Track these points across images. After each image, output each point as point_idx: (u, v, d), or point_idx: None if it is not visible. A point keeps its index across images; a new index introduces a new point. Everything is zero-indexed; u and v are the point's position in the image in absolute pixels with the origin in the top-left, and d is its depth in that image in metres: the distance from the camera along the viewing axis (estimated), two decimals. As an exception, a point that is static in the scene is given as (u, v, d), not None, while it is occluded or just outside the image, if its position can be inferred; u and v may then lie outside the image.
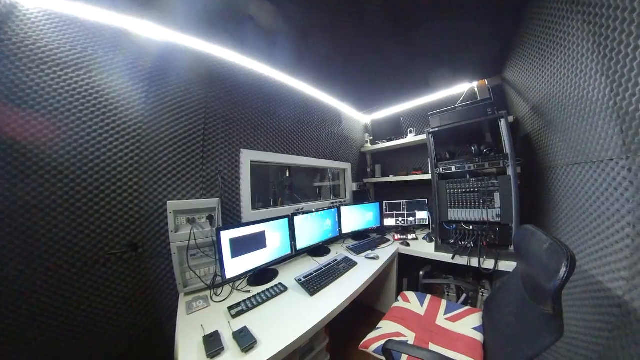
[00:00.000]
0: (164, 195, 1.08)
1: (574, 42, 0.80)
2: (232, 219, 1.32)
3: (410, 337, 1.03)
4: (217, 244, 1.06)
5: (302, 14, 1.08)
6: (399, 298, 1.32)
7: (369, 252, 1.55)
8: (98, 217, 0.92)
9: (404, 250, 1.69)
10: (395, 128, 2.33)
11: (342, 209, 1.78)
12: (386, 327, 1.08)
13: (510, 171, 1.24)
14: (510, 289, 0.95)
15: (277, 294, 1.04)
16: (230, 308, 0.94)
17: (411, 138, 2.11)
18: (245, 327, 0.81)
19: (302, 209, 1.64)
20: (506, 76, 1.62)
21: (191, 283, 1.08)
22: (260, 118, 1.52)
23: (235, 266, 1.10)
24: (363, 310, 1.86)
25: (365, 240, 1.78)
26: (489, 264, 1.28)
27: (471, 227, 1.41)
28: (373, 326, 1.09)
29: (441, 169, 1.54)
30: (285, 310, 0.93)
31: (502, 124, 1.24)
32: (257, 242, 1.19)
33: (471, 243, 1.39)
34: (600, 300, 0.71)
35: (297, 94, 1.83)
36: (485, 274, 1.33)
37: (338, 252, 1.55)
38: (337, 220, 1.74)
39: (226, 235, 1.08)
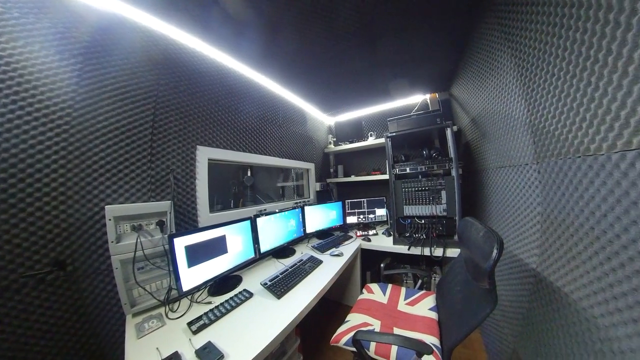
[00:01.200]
0: (100, 199, 0.87)
1: (504, 70, 1.00)
2: (188, 224, 1.15)
3: (376, 325, 1.09)
4: (170, 253, 0.92)
5: (274, 8, 1.02)
6: (364, 290, 1.38)
7: (334, 249, 1.58)
8: (8, 229, 0.71)
9: (366, 245, 1.77)
10: (357, 131, 2.45)
11: (306, 208, 1.78)
12: (354, 319, 1.11)
13: (453, 172, 1.45)
14: (456, 272, 1.11)
15: (242, 302, 0.98)
16: (190, 323, 0.84)
17: (371, 141, 2.25)
18: (209, 342, 0.74)
19: (265, 210, 1.57)
20: (453, 92, 1.91)
21: (140, 301, 0.91)
22: (221, 113, 1.37)
23: (192, 276, 0.98)
24: (331, 307, 1.87)
25: (329, 238, 1.81)
26: (438, 252, 1.46)
27: (423, 221, 1.59)
28: (342, 320, 1.12)
29: (397, 169, 1.69)
30: (252, 318, 0.89)
31: (448, 132, 1.44)
32: (216, 247, 1.08)
33: (423, 235, 1.56)
34: (522, 273, 0.91)
35: (261, 90, 1.72)
36: (436, 261, 1.51)
37: (303, 252, 1.55)
38: (301, 220, 1.73)
39: (180, 243, 0.94)
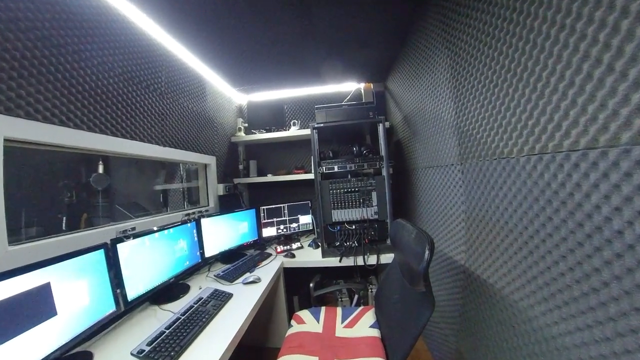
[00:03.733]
0: None
1: (439, 70, 1.24)
2: None
3: None
4: None
5: None
6: (293, 322, 1.35)
7: (247, 275, 1.51)
8: None
9: (290, 263, 1.75)
10: (277, 117, 2.37)
11: (204, 221, 1.63)
12: None
13: (384, 172, 1.67)
14: (392, 278, 1.25)
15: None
16: None
17: (294, 131, 2.25)
18: None
19: (133, 229, 1.26)
20: (389, 85, 2.18)
21: None
22: (43, 52, 0.92)
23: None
24: (252, 355, 1.74)
25: (240, 260, 1.71)
26: (372, 259, 1.63)
27: (354, 227, 1.73)
28: None
29: (324, 168, 1.76)
30: None
31: (380, 128, 1.65)
32: (31, 309, 0.77)
33: (355, 242, 1.70)
34: (453, 270, 1.16)
35: (131, 29, 1.32)
36: (371, 270, 1.68)
37: (203, 285, 1.42)
38: (196, 239, 1.56)
39: None
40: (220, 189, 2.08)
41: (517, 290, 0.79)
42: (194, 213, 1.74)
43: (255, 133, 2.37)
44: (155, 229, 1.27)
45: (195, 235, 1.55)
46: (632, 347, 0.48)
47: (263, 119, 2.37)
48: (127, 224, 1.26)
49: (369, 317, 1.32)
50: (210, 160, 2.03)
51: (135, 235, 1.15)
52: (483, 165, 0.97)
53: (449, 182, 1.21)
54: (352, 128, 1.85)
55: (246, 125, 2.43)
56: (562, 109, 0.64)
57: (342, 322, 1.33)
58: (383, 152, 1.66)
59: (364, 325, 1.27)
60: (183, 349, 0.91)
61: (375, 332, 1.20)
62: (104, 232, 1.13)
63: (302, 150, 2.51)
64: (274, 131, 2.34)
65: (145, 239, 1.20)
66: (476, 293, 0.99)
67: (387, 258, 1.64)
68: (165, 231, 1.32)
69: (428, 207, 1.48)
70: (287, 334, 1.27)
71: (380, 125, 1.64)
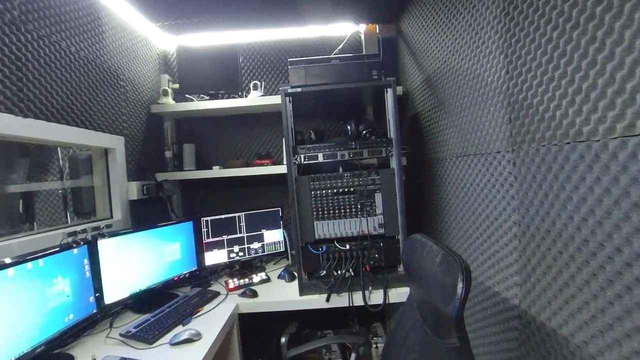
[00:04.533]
0: None
1: (482, 3, 1.18)
2: None
3: None
4: None
5: None
6: None
7: (179, 330, 1.46)
8: None
9: (249, 305, 1.71)
10: (227, 75, 2.31)
11: (103, 244, 1.58)
12: None
13: (394, 163, 1.63)
14: (408, 327, 1.21)
15: None
16: None
17: (256, 98, 2.19)
18: None
19: None
20: (402, 27, 2.09)
21: None
22: None
23: None
24: None
25: (166, 307, 1.65)
26: (377, 297, 1.58)
27: (348, 247, 1.70)
28: None
29: (303, 156, 1.71)
30: None
31: (389, 95, 1.59)
32: None
33: (350, 271, 1.67)
34: (501, 314, 1.12)
35: None
36: (375, 314, 1.63)
37: (97, 355, 1.33)
38: (88, 275, 1.50)
39: None
40: (134, 190, 2.03)
41: (610, 349, 0.75)
42: (84, 231, 1.64)
43: (191, 100, 2.28)
44: (7, 261, 1.15)
45: (87, 268, 1.48)
46: None
47: (204, 77, 2.29)
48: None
49: None
50: (115, 142, 1.94)
51: None
52: (548, 153, 0.92)
53: (493, 178, 1.18)
54: (345, 95, 1.81)
55: (176, 87, 2.33)
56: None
57: None
58: (393, 133, 1.63)
59: None
60: None
61: None
62: None
63: (268, 129, 2.48)
64: (222, 98, 2.26)
65: None
66: (542, 351, 0.95)
67: (399, 294, 1.61)
68: (29, 264, 1.21)
69: (460, 216, 1.44)
70: None
71: (390, 91, 1.60)
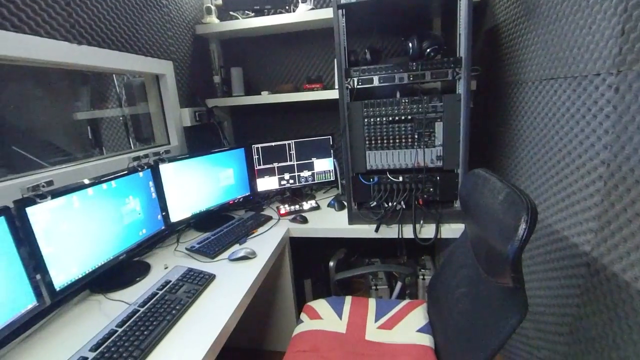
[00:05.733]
0: None
1: None
2: None
3: None
4: None
5: None
6: (303, 316, 1.45)
7: (236, 248, 1.57)
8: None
9: (300, 231, 1.80)
10: None
11: (164, 168, 1.67)
12: None
13: (461, 87, 1.50)
14: (459, 263, 1.24)
15: None
16: None
17: (304, 13, 2.07)
18: None
19: (50, 183, 1.26)
20: None
21: None
22: None
23: None
24: None
25: (224, 227, 1.78)
26: (428, 231, 1.60)
27: (401, 179, 1.69)
28: None
29: (356, 80, 1.64)
30: None
31: (463, 3, 1.40)
32: None
33: (402, 203, 1.67)
34: (566, 260, 1.07)
35: None
36: (425, 247, 1.67)
37: (169, 264, 1.49)
38: (154, 196, 1.62)
39: None
40: (187, 117, 2.08)
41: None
42: (147, 156, 1.73)
43: (236, 18, 2.20)
44: (86, 182, 1.27)
45: (152, 190, 1.59)
46: None
47: None
48: (39, 176, 1.26)
49: (418, 316, 1.37)
50: (164, 67, 1.95)
51: (55, 194, 1.15)
52: (667, 77, 0.76)
53: (585, 107, 1.03)
54: (409, 5, 1.64)
55: (219, 2, 2.24)
56: None
57: (377, 320, 1.41)
58: (463, 51, 1.47)
59: (409, 328, 1.33)
60: (145, 353, 0.93)
61: (427, 340, 1.24)
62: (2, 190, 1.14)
63: (319, 49, 2.37)
64: (269, 14, 2.15)
65: (73, 197, 1.21)
66: (607, 301, 0.91)
67: (452, 230, 1.62)
68: (104, 185, 1.33)
69: (534, 151, 1.33)
70: (294, 333, 1.36)
71: (463, -2, 1.40)
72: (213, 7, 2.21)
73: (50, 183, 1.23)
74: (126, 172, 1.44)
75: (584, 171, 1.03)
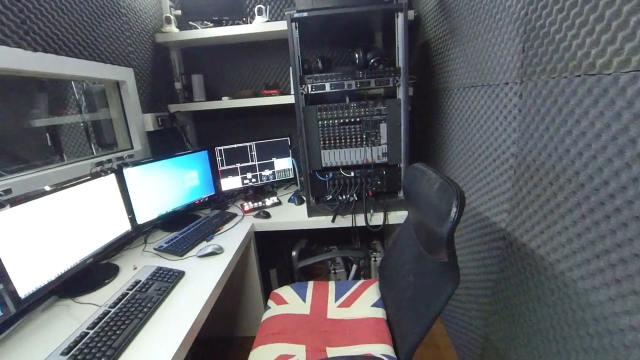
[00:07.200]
0: None
1: None
2: None
3: (300, 353, 1.16)
4: None
5: None
6: (270, 303, 1.45)
7: (204, 245, 1.56)
8: None
9: (263, 225, 1.80)
10: (230, 1, 2.09)
11: (129, 172, 1.59)
12: (262, 358, 1.14)
13: (401, 93, 1.57)
14: (404, 244, 1.31)
15: None
16: None
17: (261, 25, 2.03)
18: None
19: (7, 191, 1.18)
20: None
21: None
22: None
23: None
24: (217, 349, 1.88)
25: (191, 226, 1.74)
26: (377, 219, 1.67)
27: (353, 174, 1.74)
28: None
29: (310, 86, 1.65)
30: None
31: (400, 20, 1.46)
32: None
33: (354, 195, 1.74)
34: (488, 236, 1.19)
35: None
36: (375, 233, 1.74)
37: (138, 264, 1.44)
38: (123, 199, 1.54)
39: None
40: (150, 122, 1.99)
41: (578, 267, 0.82)
42: (110, 161, 1.65)
43: (196, 28, 2.11)
44: (47, 188, 1.18)
45: (120, 193, 1.51)
46: None
47: (206, 3, 2.08)
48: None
49: (372, 293, 1.43)
50: (125, 74, 1.84)
51: (14, 202, 1.06)
52: (556, 85, 0.88)
53: (498, 110, 1.15)
54: (354, 20, 1.67)
55: (179, 13, 2.13)
56: None
57: (336, 300, 1.45)
58: (401, 62, 1.54)
59: (364, 304, 1.39)
60: (118, 351, 0.91)
61: (380, 313, 1.31)
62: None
63: (275, 57, 2.34)
64: (227, 24, 2.09)
65: (34, 204, 1.12)
66: (519, 267, 1.04)
67: (397, 217, 1.70)
68: (66, 191, 1.24)
69: (461, 147, 1.45)
70: (263, 319, 1.36)
71: (400, 15, 1.46)
72: (173, 17, 2.10)
73: (8, 191, 1.14)
74: (89, 177, 1.35)
75: (499, 162, 1.15)
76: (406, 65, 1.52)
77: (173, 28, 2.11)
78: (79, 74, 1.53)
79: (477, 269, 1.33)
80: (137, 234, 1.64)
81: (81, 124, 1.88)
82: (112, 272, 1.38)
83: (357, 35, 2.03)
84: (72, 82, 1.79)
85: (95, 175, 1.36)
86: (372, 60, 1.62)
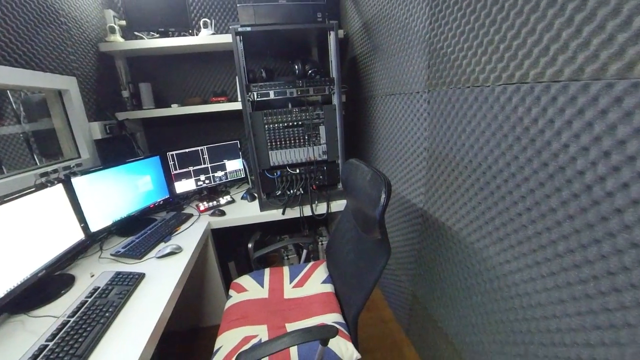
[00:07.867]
0: None
1: None
2: None
3: (262, 332, 1.16)
4: None
5: None
6: (231, 292, 1.42)
7: (162, 246, 1.46)
8: None
9: (219, 222, 1.75)
10: (175, 11, 1.95)
11: (77, 182, 1.43)
12: (228, 341, 1.13)
13: (335, 99, 1.63)
14: (345, 228, 1.37)
15: None
16: None
17: (207, 37, 1.93)
18: None
19: None
20: None
21: None
22: None
23: None
24: (186, 339, 1.83)
25: (148, 229, 1.62)
26: (321, 208, 1.73)
27: (298, 171, 1.76)
28: (210, 352, 1.14)
29: (256, 94, 1.63)
30: None
31: (332, 38, 1.52)
32: None
33: (300, 189, 1.76)
34: (410, 215, 1.31)
35: None
36: (320, 221, 1.80)
37: (96, 271, 1.32)
38: (73, 208, 1.38)
39: None
40: (97, 130, 1.77)
41: (475, 232, 0.96)
42: (55, 171, 1.46)
43: (141, 38, 1.92)
44: None
45: (69, 204, 1.34)
46: (573, 280, 0.64)
47: (151, 13, 1.91)
48: None
49: (321, 272, 1.47)
50: (67, 83, 1.61)
51: None
52: (453, 94, 1.01)
53: (412, 113, 1.26)
54: (293, 36, 1.68)
55: (123, 23, 1.92)
56: (555, 28, 0.66)
57: (291, 282, 1.45)
58: (334, 73, 1.59)
59: (315, 282, 1.42)
60: (83, 358, 0.83)
61: (329, 288, 1.35)
62: None
63: (222, 66, 2.24)
64: (173, 35, 1.94)
65: None
66: (433, 237, 1.18)
67: (338, 205, 1.77)
68: (8, 204, 1.06)
69: (386, 144, 1.56)
70: (226, 307, 1.32)
71: (332, 33, 1.52)
72: (117, 27, 1.87)
73: None
74: (34, 188, 1.17)
75: (415, 155, 1.27)
76: (339, 75, 1.58)
77: (117, 38, 1.88)
78: (15, 83, 1.29)
79: (404, 242, 1.45)
80: (92, 241, 1.49)
81: (21, 135, 1.60)
82: (68, 282, 1.23)
83: (296, 49, 2.04)
84: (8, 92, 1.52)
85: (40, 187, 1.17)
86: (310, 71, 1.65)
